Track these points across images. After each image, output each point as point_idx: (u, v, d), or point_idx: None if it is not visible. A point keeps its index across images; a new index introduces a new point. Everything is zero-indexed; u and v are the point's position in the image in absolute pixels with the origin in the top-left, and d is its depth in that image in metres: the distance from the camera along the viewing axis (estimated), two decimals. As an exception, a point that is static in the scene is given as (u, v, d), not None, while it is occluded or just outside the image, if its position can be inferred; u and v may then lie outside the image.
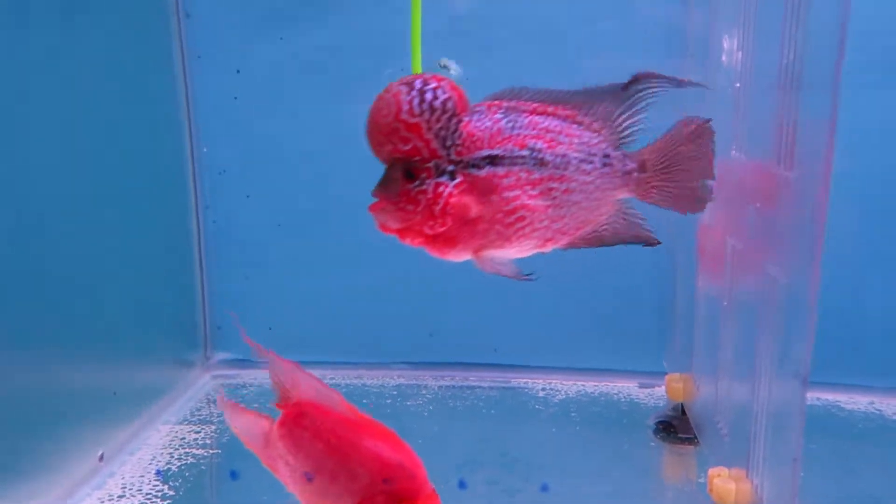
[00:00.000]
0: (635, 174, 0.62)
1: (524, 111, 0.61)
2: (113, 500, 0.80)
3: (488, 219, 0.60)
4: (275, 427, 0.60)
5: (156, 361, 1.07)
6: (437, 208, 0.59)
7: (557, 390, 1.13)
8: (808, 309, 0.54)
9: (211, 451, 0.92)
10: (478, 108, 0.60)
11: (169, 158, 1.12)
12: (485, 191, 0.60)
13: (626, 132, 0.62)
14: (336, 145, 1.17)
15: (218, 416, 1.02)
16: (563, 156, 0.60)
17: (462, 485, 0.83)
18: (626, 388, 1.14)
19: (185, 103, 1.14)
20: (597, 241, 0.64)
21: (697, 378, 0.92)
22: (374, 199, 0.58)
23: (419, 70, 0.93)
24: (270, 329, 1.19)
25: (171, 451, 0.91)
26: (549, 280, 1.16)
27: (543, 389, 1.11)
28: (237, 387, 1.14)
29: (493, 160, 0.60)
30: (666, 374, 1.11)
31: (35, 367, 0.78)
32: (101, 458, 0.86)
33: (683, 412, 0.98)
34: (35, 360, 0.78)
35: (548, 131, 0.60)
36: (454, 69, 0.92)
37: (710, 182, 0.62)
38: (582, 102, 0.62)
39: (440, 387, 1.14)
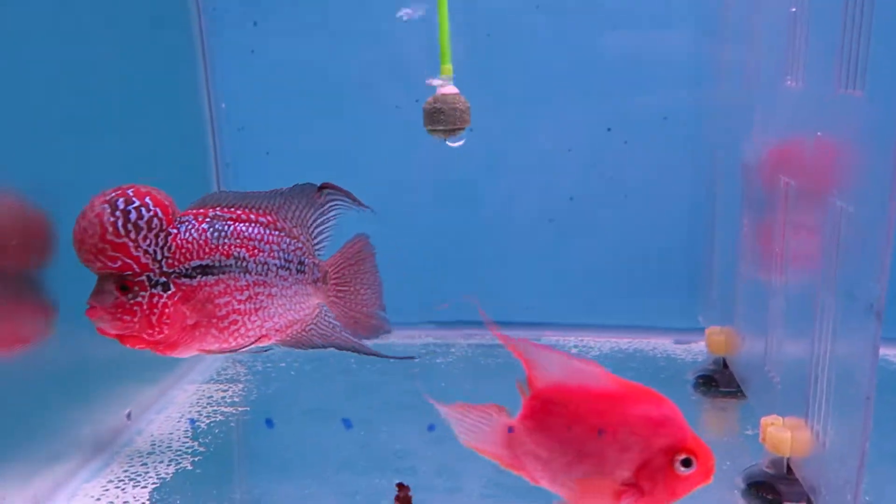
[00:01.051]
0: (321, 283, 0.67)
1: (229, 219, 0.65)
2: (142, 456, 0.78)
3: (204, 323, 0.65)
4: (518, 422, 0.58)
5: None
6: (154, 318, 0.64)
7: (591, 347, 1.10)
8: (884, 238, 0.50)
9: (239, 409, 0.89)
10: (185, 219, 0.64)
11: (187, 116, 1.09)
12: (199, 299, 0.65)
13: (319, 238, 0.67)
14: (359, 96, 1.13)
15: (245, 376, 1.00)
16: (265, 263, 0.65)
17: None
18: (661, 344, 1.10)
19: (201, 58, 1.10)
20: (308, 343, 0.69)
21: (741, 330, 0.89)
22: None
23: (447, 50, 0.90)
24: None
25: (200, 408, 0.89)
26: (580, 238, 1.13)
27: (576, 347, 1.08)
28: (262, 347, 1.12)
29: (203, 270, 0.65)
30: (701, 329, 1.08)
31: (64, 330, 0.76)
32: (129, 416, 0.85)
33: (725, 365, 0.94)
34: (64, 322, 0.76)
35: (250, 239, 0.65)
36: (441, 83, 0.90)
37: (382, 312, 0.70)
38: (279, 206, 0.67)
39: (470, 345, 1.12)
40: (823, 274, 0.60)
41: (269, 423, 0.84)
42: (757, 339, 0.80)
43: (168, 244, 0.64)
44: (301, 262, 0.67)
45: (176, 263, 0.65)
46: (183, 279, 0.65)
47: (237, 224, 0.66)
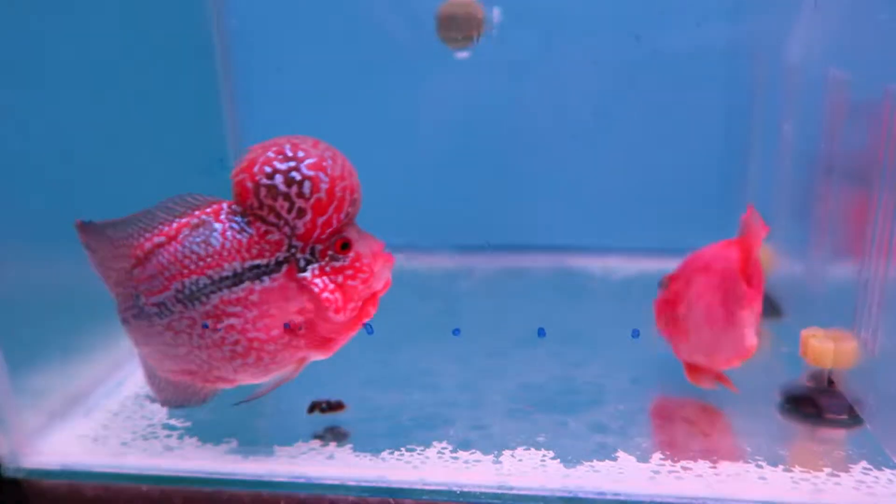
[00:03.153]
0: None
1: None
2: (160, 374, 0.77)
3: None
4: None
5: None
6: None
7: (615, 270, 1.06)
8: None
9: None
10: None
11: (195, 33, 1.04)
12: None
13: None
14: (374, 14, 1.07)
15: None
16: None
17: (541, 332, 0.78)
18: (690, 267, 1.06)
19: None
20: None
21: (780, 246, 0.84)
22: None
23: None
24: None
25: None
26: (604, 156, 1.08)
27: (602, 269, 1.04)
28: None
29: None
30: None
31: (80, 254, 0.73)
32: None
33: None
34: (79, 247, 0.74)
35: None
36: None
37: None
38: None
39: (492, 269, 1.08)
40: (881, 174, 0.56)
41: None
42: (798, 255, 0.76)
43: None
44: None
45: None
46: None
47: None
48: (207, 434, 0.65)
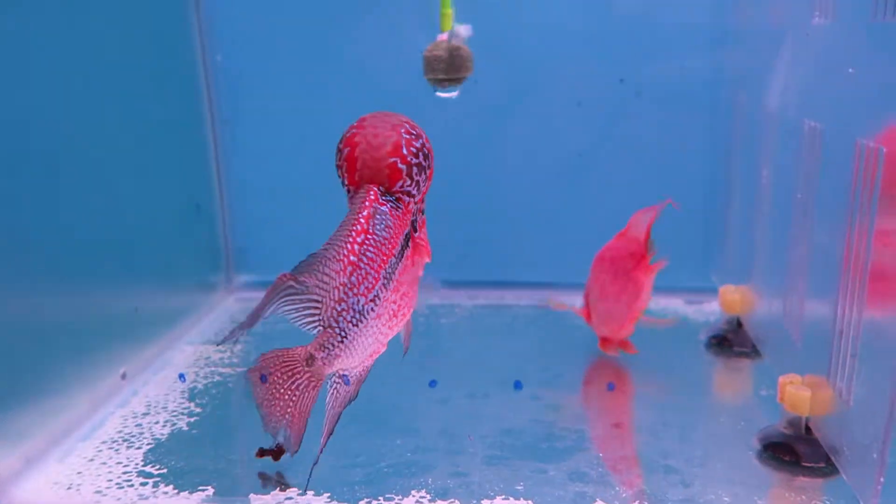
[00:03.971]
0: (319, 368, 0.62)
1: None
2: (137, 417, 0.76)
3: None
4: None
5: (177, 283, 1.02)
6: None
7: (599, 308, 1.06)
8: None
9: (238, 370, 0.87)
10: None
11: (180, 69, 1.05)
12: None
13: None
14: (362, 43, 1.08)
15: (244, 337, 0.97)
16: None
17: (518, 385, 0.78)
18: (672, 303, 1.07)
19: (195, 8, 1.06)
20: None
21: (758, 288, 0.85)
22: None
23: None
24: (293, 251, 1.14)
25: (197, 369, 0.87)
26: (589, 194, 1.09)
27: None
28: (262, 309, 1.09)
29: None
30: (714, 288, 1.05)
31: (56, 287, 0.73)
32: (124, 376, 0.82)
33: (739, 325, 0.91)
34: (56, 280, 0.73)
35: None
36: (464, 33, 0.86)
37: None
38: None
39: (475, 306, 1.09)
40: (852, 222, 0.57)
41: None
42: (775, 297, 0.77)
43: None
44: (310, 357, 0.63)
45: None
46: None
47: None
48: (183, 482, 0.65)
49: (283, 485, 0.64)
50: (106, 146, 0.82)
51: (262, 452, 0.66)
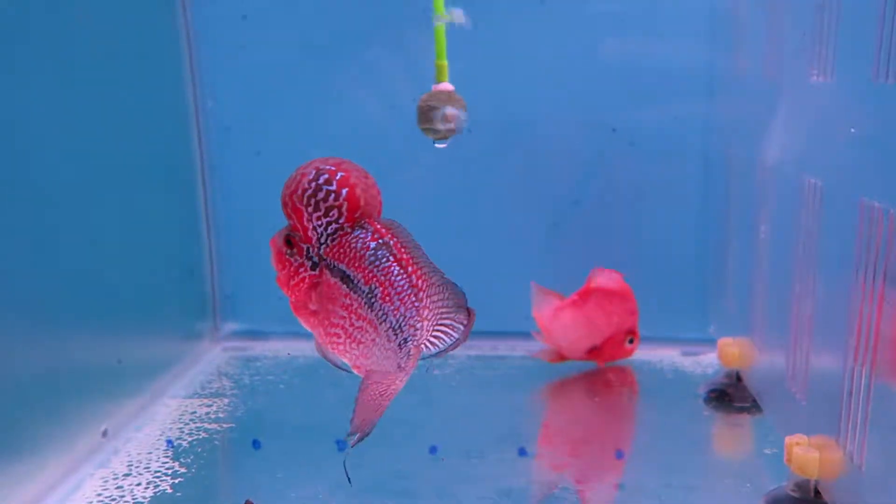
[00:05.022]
0: (400, 371, 0.65)
1: (393, 254, 0.64)
2: (118, 478, 0.72)
3: (319, 318, 0.66)
4: (568, 303, 1.00)
5: (161, 333, 0.99)
6: (293, 282, 0.66)
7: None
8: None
9: (224, 426, 0.84)
10: (366, 226, 0.64)
11: (171, 114, 1.04)
12: (325, 295, 0.66)
13: (435, 338, 0.65)
14: (353, 95, 1.08)
15: (231, 390, 0.94)
16: (385, 313, 0.64)
17: (522, 452, 0.76)
18: (668, 355, 1.05)
19: (187, 53, 1.05)
20: (371, 399, 0.66)
21: (758, 341, 0.84)
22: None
23: (441, 9, 0.86)
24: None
25: (182, 425, 0.83)
26: (583, 244, 1.09)
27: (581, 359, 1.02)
28: (250, 359, 1.06)
29: (343, 277, 0.65)
30: (711, 340, 1.04)
31: (33, 338, 0.70)
32: (105, 433, 0.79)
33: (739, 379, 0.89)
34: (32, 330, 0.70)
35: (392, 285, 0.64)
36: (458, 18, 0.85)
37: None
38: (434, 284, 0.65)
39: (468, 356, 1.06)
40: (859, 278, 0.56)
41: (255, 444, 0.78)
42: (777, 352, 0.76)
43: (335, 236, 0.65)
44: (405, 341, 0.65)
45: (330, 255, 0.66)
46: (327, 271, 0.66)
47: (394, 264, 0.64)
48: (166, 550, 0.61)
49: None
50: (88, 187, 0.80)
51: None
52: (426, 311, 0.65)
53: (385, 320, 0.64)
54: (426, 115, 0.88)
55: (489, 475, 0.73)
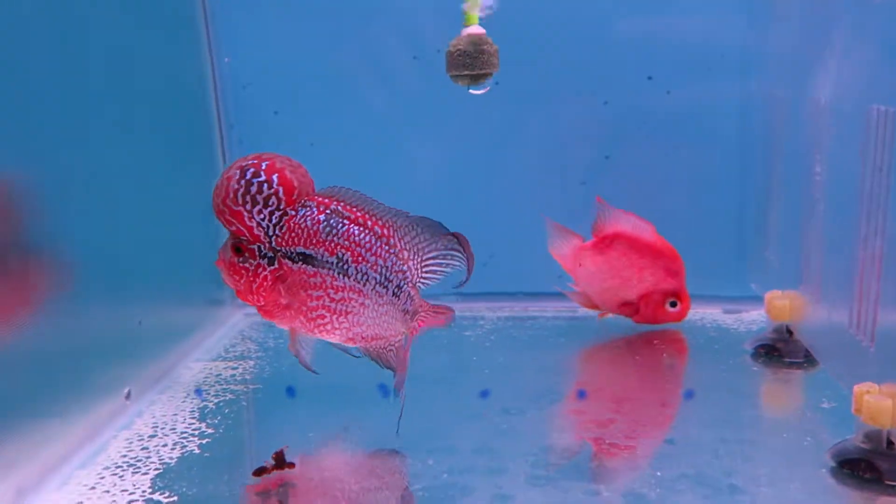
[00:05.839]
0: (408, 317, 0.66)
1: (347, 217, 0.65)
2: (143, 439, 0.69)
3: (295, 307, 0.67)
4: (589, 245, 0.94)
5: (183, 297, 0.96)
6: (255, 286, 0.66)
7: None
8: None
9: (251, 387, 0.80)
10: (308, 204, 0.65)
11: (188, 72, 1.00)
12: (294, 283, 0.66)
13: (430, 273, 0.66)
14: (377, 49, 1.04)
15: (256, 352, 0.91)
16: (365, 273, 0.65)
17: (581, 394, 0.72)
18: (709, 314, 1.01)
19: (202, 8, 1.01)
20: (385, 361, 0.68)
21: (812, 292, 0.79)
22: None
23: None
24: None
25: (207, 387, 0.80)
26: (617, 200, 1.04)
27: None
28: (273, 324, 1.03)
29: (305, 258, 0.65)
30: (753, 298, 0.99)
31: (55, 302, 0.67)
32: (128, 395, 0.76)
33: (790, 333, 0.85)
34: (55, 294, 0.67)
35: (359, 245, 0.65)
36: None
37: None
38: (401, 226, 0.65)
39: (498, 318, 1.03)
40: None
41: (290, 391, 0.75)
42: (838, 300, 0.71)
43: (281, 224, 0.65)
44: (399, 287, 0.66)
45: (284, 244, 0.66)
46: (286, 260, 0.66)
47: (352, 226, 0.65)
48: (196, 511, 0.58)
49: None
50: (106, 150, 0.76)
51: (259, 471, 0.62)
52: (405, 253, 0.65)
53: (367, 280, 0.65)
54: (457, 61, 0.83)
55: (530, 431, 0.70)
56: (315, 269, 0.65)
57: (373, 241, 0.65)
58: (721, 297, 1.03)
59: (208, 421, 0.73)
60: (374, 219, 0.65)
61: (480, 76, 0.84)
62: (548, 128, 1.04)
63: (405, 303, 0.65)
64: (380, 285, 0.65)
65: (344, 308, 0.66)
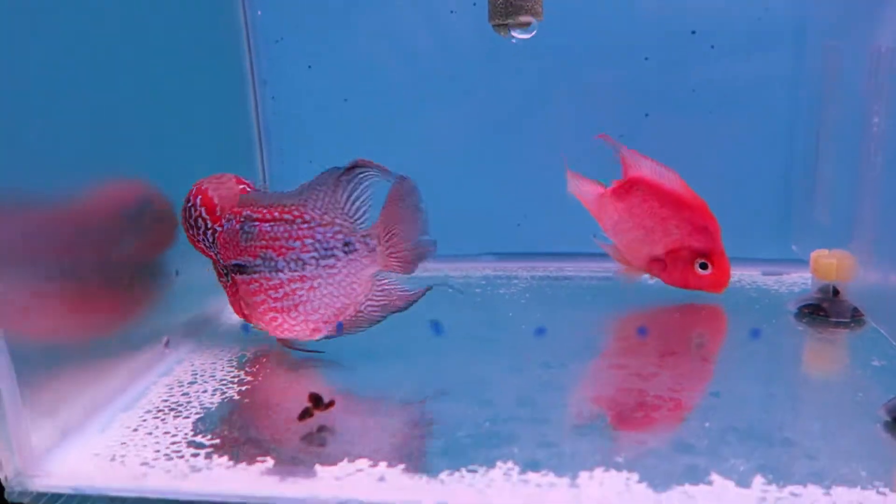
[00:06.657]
0: (376, 250, 0.67)
1: (256, 219, 0.66)
2: (183, 385, 0.69)
3: (256, 316, 0.69)
4: (609, 192, 0.90)
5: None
6: (233, 300, 0.72)
7: (669, 280, 0.98)
8: None
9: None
10: (229, 217, 0.68)
11: (220, 25, 0.98)
12: (242, 294, 0.69)
13: (358, 213, 0.67)
14: (410, 1, 1.01)
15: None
16: (297, 259, 0.66)
17: (642, 330, 0.70)
18: (748, 276, 0.99)
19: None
20: (367, 320, 0.69)
21: (863, 251, 0.77)
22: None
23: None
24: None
25: (246, 339, 0.80)
26: (655, 158, 1.01)
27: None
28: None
29: (239, 269, 0.68)
30: (793, 260, 0.97)
31: (91, 248, 0.66)
32: (167, 344, 0.76)
33: (836, 293, 0.83)
34: (92, 240, 0.67)
35: (276, 239, 0.66)
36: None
37: (427, 238, 0.69)
38: (306, 198, 0.66)
39: (533, 277, 1.01)
40: None
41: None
42: (886, 262, 0.69)
43: (215, 241, 0.69)
44: (347, 244, 0.67)
45: (224, 258, 0.69)
46: (235, 274, 0.69)
47: (262, 224, 0.66)
48: (239, 453, 0.58)
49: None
50: (138, 108, 0.75)
51: (304, 414, 0.62)
52: (327, 216, 0.66)
53: (305, 264, 0.66)
54: (500, 8, 0.81)
55: (572, 384, 0.69)
56: (250, 277, 0.67)
57: (287, 229, 0.65)
58: (759, 259, 1.01)
59: (247, 369, 0.72)
60: (279, 209, 0.66)
61: (525, 22, 0.82)
62: (584, 85, 1.01)
63: (366, 246, 0.66)
64: (323, 259, 0.66)
65: (292, 302, 0.66)
